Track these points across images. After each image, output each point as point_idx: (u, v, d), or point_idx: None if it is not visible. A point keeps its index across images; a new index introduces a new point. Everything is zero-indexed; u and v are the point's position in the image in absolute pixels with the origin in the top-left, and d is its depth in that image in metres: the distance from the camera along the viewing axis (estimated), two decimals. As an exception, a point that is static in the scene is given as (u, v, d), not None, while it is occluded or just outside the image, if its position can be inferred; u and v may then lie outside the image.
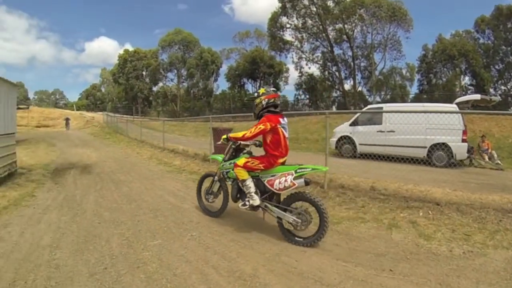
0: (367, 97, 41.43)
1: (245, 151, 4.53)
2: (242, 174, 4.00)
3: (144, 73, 57.44)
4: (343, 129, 12.44)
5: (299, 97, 46.55)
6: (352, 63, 39.33)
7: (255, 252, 3.72)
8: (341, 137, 11.95)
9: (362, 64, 40.74)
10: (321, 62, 41.37)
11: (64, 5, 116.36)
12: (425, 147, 10.18)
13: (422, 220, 4.76)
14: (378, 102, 35.38)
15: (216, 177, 4.92)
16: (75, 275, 3.23)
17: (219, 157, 4.91)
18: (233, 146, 4.57)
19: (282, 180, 3.76)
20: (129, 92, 56.95)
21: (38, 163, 10.58)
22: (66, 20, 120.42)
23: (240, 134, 4.21)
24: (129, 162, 11.39)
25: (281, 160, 4.03)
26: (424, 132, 9.92)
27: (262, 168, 3.97)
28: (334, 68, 41.25)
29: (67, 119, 31.30)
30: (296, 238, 3.81)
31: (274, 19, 39.74)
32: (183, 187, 7.48)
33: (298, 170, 3.75)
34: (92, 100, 79.45)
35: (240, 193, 4.27)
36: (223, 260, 3.53)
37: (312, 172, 3.97)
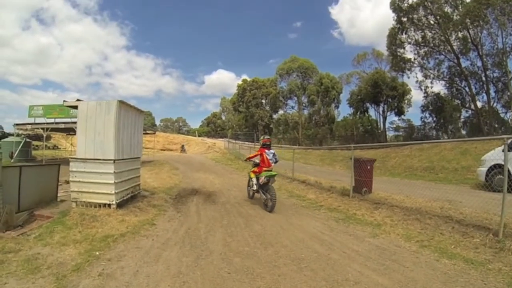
0: (502, 114, 33.32)
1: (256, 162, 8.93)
2: (251, 175, 8.78)
3: (263, 101, 61.76)
4: (495, 155, 10.29)
5: (425, 120, 41.17)
6: (482, 75, 32.30)
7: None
8: (492, 165, 10.32)
9: (494, 74, 32.92)
10: (447, 78, 35.58)
11: (184, 46, 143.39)
12: None
13: None
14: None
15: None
16: None
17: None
18: (256, 161, 8.98)
19: (261, 178, 8.16)
20: (249, 119, 61.50)
21: (161, 186, 10.93)
22: (186, 58, 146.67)
23: (247, 155, 9.85)
24: (256, 192, 10.73)
25: (265, 169, 8.31)
26: None
27: (257, 171, 8.53)
28: (462, 84, 34.73)
29: (182, 146, 34.71)
30: (266, 208, 7.96)
31: (392, 36, 36.54)
32: (326, 228, 6.31)
33: (266, 174, 8.06)
34: (212, 127, 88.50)
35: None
36: None
37: (268, 175, 8.07)
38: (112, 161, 6.92)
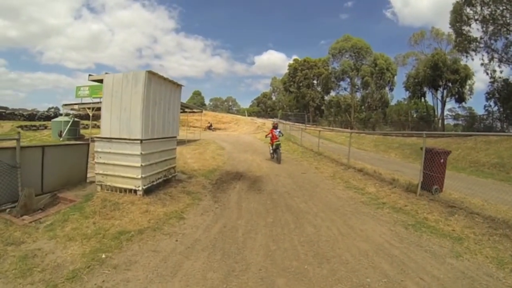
0: None
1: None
2: (269, 145, 14.34)
3: (315, 82, 59.36)
4: None
5: (490, 109, 35.25)
6: None
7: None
8: None
9: None
10: (518, 61, 29.98)
11: (234, 28, 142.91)
12: None
13: None
14: None
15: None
16: None
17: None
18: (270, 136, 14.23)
19: (273, 147, 13.41)
20: (300, 100, 59.42)
21: (202, 168, 9.96)
22: (236, 39, 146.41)
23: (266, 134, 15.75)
24: (307, 180, 9.30)
25: (275, 141, 13.23)
26: None
27: (271, 143, 13.60)
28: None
29: (210, 125, 33.68)
30: (276, 162, 12.64)
31: (457, 12, 31.50)
32: (394, 237, 4.82)
33: (275, 143, 13.14)
34: (262, 107, 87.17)
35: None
36: None
37: (276, 144, 13.16)
38: (139, 141, 5.93)
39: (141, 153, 5.90)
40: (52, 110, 37.76)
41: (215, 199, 6.44)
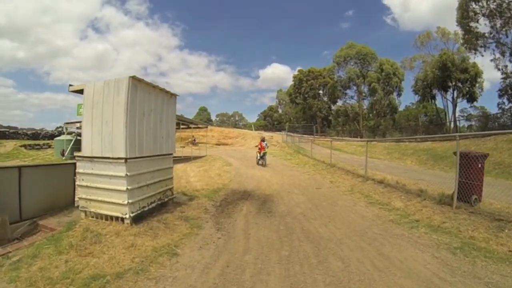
0: None
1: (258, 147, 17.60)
2: (258, 152, 17.17)
3: (321, 92, 58.60)
4: None
5: (504, 107, 33.70)
6: None
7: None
8: None
9: None
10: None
11: (237, 43, 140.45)
12: None
13: None
14: None
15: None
16: None
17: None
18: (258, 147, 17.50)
19: (260, 154, 16.76)
20: (307, 111, 58.48)
21: (206, 187, 8.95)
22: (239, 54, 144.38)
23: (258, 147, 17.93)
24: (323, 196, 8.24)
25: (262, 151, 16.62)
26: None
27: (259, 151, 16.88)
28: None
29: (193, 139, 32.34)
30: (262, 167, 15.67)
31: (463, 8, 30.69)
32: (442, 268, 3.78)
33: (263, 152, 16.55)
34: (269, 121, 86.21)
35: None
36: None
37: (263, 153, 16.59)
38: (123, 160, 5.00)
39: (127, 174, 4.95)
40: (60, 129, 37.18)
41: (218, 226, 5.40)
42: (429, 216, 5.83)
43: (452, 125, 39.07)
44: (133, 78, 5.15)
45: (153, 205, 5.79)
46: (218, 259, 3.99)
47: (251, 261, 3.92)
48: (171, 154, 6.82)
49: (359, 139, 36.84)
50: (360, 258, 4.04)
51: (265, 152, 16.55)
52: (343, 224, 5.61)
